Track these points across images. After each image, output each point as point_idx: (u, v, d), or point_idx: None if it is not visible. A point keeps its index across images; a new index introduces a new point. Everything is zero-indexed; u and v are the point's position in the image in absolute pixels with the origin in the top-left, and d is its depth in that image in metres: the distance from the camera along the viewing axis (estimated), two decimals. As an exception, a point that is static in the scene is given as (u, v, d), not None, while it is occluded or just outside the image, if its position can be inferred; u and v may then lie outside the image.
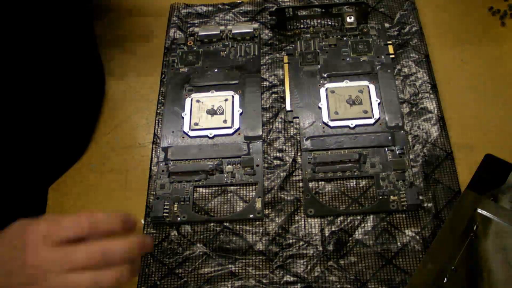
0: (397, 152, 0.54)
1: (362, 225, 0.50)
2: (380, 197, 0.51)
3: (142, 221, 0.52)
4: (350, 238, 0.50)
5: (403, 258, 0.48)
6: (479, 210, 0.48)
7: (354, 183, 0.53)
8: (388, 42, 0.62)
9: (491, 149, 0.53)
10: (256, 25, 0.64)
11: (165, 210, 0.51)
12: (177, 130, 0.57)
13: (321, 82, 0.60)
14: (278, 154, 0.55)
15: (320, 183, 0.53)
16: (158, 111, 0.59)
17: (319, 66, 0.61)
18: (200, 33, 0.64)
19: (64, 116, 0.56)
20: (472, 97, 0.58)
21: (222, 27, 0.64)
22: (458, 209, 0.49)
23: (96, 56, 0.62)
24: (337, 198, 0.52)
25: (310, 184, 0.53)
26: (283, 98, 0.59)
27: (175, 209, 0.52)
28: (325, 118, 0.57)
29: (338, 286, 0.47)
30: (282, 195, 0.53)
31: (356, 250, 0.49)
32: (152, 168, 0.55)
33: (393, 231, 0.50)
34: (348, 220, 0.51)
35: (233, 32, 0.64)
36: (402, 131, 0.55)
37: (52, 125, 0.55)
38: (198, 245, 0.50)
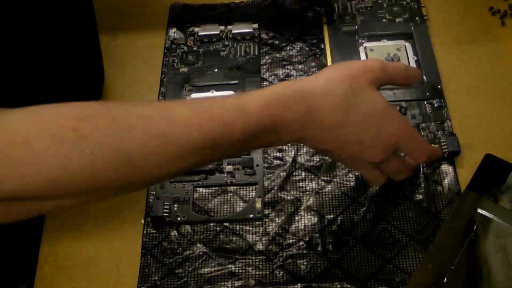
0: (436, 105, 0.56)
1: (363, 224, 0.50)
2: None
3: (142, 221, 0.52)
4: (350, 238, 0.50)
5: (403, 258, 0.48)
6: (479, 210, 0.48)
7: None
8: (422, 5, 0.64)
9: (491, 149, 0.53)
10: (256, 25, 0.64)
11: (165, 210, 0.51)
12: (177, 130, 0.57)
13: (360, 41, 0.62)
14: (278, 154, 0.55)
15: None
16: (158, 111, 0.59)
17: (356, 27, 0.64)
18: (200, 33, 0.64)
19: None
20: (472, 97, 0.58)
21: (222, 27, 0.64)
22: (458, 209, 0.49)
23: (97, 53, 0.62)
24: (337, 197, 0.52)
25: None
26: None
27: (175, 209, 0.52)
28: None
29: (338, 286, 0.47)
30: (282, 195, 0.53)
31: (356, 250, 0.49)
32: (152, 168, 0.55)
33: (393, 231, 0.50)
34: (349, 220, 0.51)
35: (233, 32, 0.64)
36: (439, 86, 0.58)
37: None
38: (198, 245, 0.50)
